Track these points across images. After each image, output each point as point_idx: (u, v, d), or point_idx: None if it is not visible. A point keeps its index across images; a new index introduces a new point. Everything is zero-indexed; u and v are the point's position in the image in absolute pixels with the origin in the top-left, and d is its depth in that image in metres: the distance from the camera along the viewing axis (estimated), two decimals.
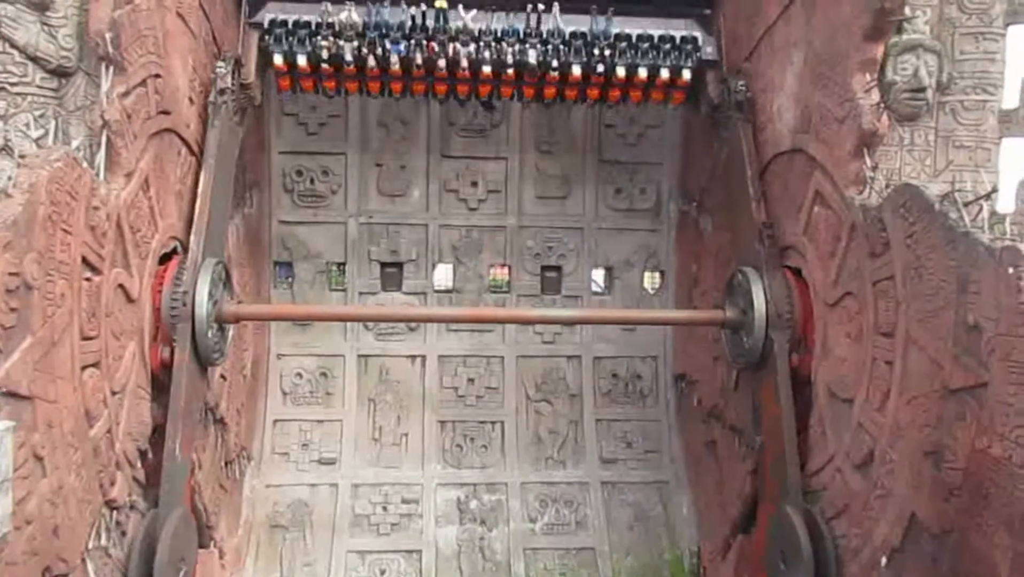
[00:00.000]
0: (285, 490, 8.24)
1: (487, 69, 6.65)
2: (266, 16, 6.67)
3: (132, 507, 5.03)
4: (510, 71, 6.74)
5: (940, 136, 5.83)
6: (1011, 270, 3.66)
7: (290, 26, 6.57)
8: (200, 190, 5.86)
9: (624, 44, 6.76)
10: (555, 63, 6.70)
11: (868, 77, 5.22)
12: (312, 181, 8.65)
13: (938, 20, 5.79)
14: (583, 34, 6.73)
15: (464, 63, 6.57)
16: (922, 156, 5.75)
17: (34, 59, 5.16)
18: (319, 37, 6.48)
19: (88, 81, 5.27)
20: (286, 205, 8.70)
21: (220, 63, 6.28)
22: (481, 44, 6.60)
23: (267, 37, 6.64)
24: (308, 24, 6.54)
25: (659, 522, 8.43)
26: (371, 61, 6.54)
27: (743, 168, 6.48)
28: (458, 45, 6.55)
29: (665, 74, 6.88)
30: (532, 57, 6.65)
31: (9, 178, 3.80)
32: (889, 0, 4.92)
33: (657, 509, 8.52)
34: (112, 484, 4.70)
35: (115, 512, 4.77)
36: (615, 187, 9.04)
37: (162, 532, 5.10)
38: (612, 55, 6.75)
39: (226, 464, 7.07)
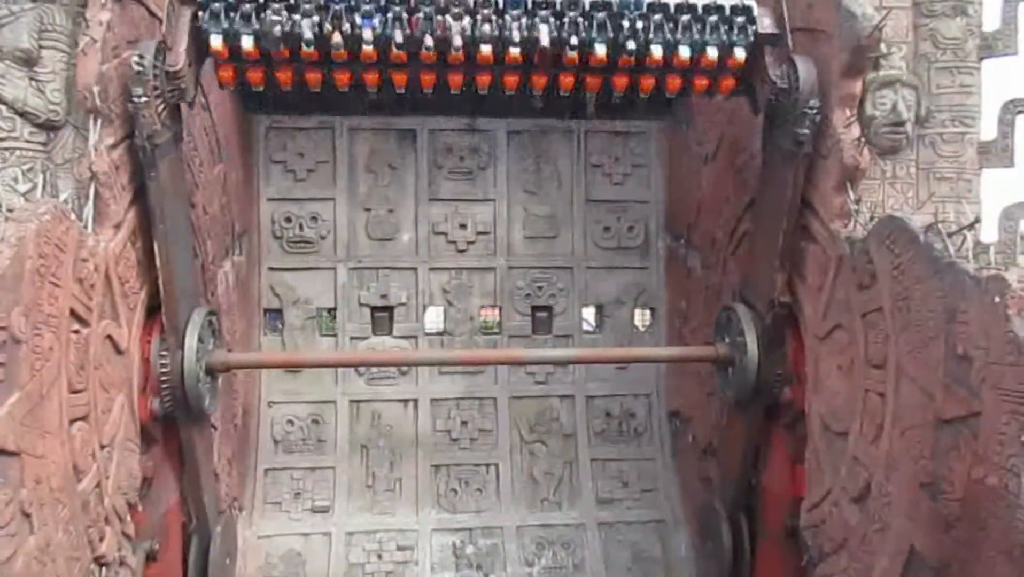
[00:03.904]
0: (277, 541, 8.10)
1: (486, 49, 5.29)
2: None
3: (122, 563, 4.94)
4: (515, 51, 5.36)
5: (921, 168, 5.93)
6: (997, 299, 3.69)
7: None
8: (154, 236, 5.26)
9: (660, 16, 5.32)
10: (573, 40, 5.24)
11: (848, 113, 5.30)
12: (301, 227, 8.66)
13: (914, 56, 5.93)
14: (607, 3, 5.23)
15: (457, 41, 5.21)
16: (904, 188, 5.84)
17: (22, 114, 5.20)
18: (268, 11, 4.97)
19: (76, 134, 5.32)
20: (275, 252, 8.69)
21: (137, 74, 4.71)
22: (479, 18, 5.17)
23: (202, 14, 5.02)
24: None
25: (657, 562, 8.31)
26: (336, 38, 5.11)
27: (779, 219, 5.64)
28: (449, 19, 5.12)
29: (713, 53, 5.42)
30: (544, 33, 5.19)
31: None
32: (865, 38, 5.01)
33: (655, 549, 8.41)
34: (101, 540, 4.61)
35: (104, 568, 4.68)
36: (603, 226, 9.08)
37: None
38: (645, 29, 5.29)
39: (217, 515, 6.96)
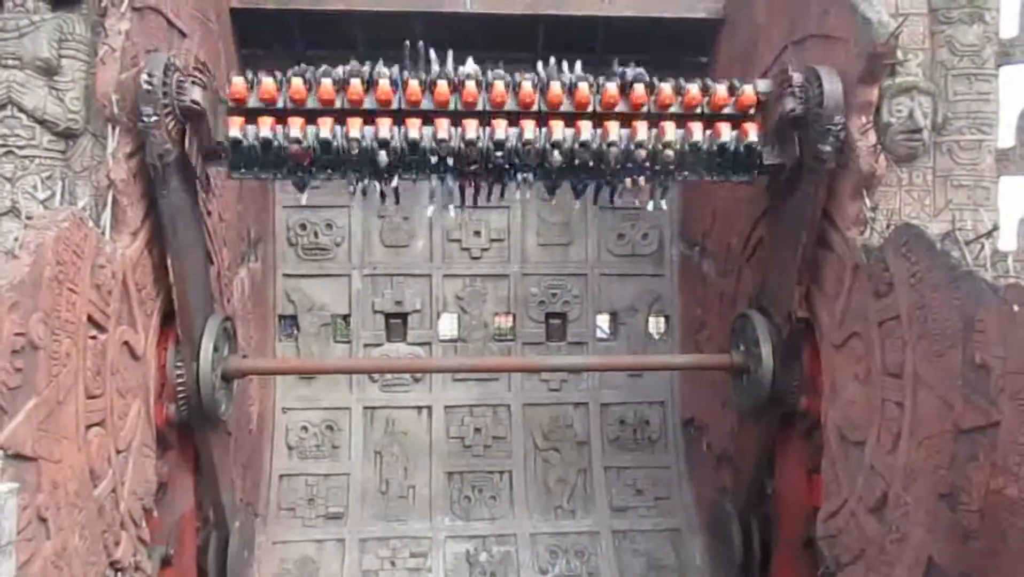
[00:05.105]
0: (291, 547, 8.12)
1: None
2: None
3: (137, 568, 4.96)
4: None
5: (938, 176, 5.88)
6: (1016, 308, 3.65)
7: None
8: (167, 251, 5.27)
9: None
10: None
11: (864, 119, 5.26)
12: (316, 234, 8.71)
13: (930, 63, 5.89)
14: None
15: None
16: (921, 196, 5.79)
17: (41, 122, 5.26)
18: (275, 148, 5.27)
19: (94, 142, 5.37)
20: (290, 259, 8.74)
21: (147, 93, 4.68)
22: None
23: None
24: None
25: (672, 571, 8.27)
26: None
27: (798, 232, 5.59)
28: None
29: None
30: (557, 156, 5.35)
31: (16, 240, 3.84)
32: (881, 44, 4.98)
33: (670, 558, 8.37)
34: (116, 544, 4.63)
35: (119, 573, 4.70)
36: (617, 233, 9.08)
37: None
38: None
39: (233, 522, 6.98)
